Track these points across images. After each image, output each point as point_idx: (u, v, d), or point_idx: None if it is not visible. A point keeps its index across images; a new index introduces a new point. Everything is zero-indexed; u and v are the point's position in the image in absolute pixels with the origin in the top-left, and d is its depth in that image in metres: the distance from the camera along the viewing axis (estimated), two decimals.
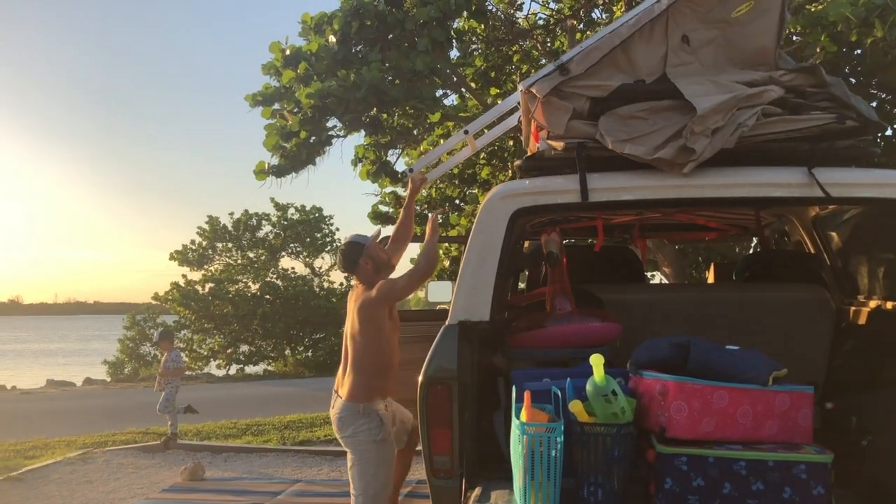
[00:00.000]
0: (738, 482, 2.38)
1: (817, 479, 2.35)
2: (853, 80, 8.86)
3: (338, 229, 26.83)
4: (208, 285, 24.48)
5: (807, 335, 3.53)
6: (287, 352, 24.36)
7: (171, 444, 8.85)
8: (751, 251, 9.39)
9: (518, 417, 2.49)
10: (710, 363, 2.57)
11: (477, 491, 2.76)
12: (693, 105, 2.98)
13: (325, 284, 25.64)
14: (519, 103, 3.62)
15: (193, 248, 25.43)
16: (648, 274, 13.81)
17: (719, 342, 2.84)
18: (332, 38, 8.89)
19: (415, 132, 11.00)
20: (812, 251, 4.34)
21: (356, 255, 3.97)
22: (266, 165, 9.22)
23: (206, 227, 25.73)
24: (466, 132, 3.69)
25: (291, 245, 26.21)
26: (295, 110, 9.23)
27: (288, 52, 9.37)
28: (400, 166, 11.45)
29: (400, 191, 12.86)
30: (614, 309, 3.45)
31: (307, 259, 26.19)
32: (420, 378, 2.89)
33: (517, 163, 3.44)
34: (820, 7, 8.06)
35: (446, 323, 2.97)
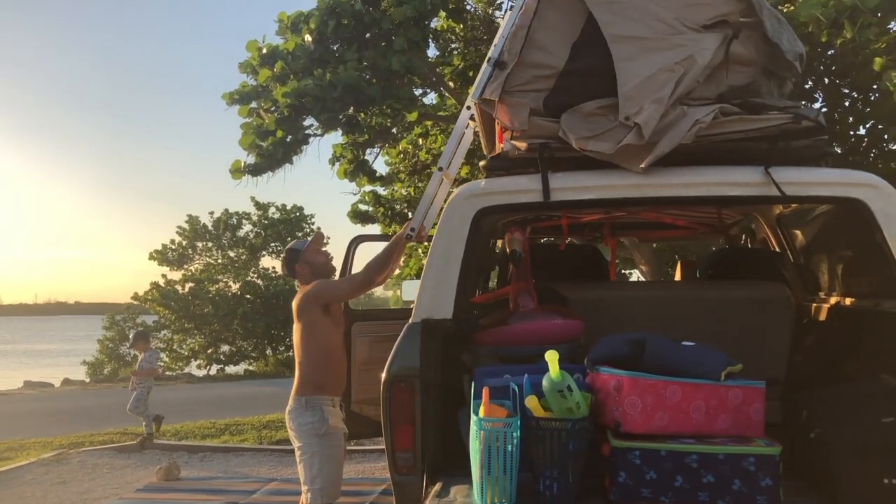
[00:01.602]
0: (689, 475, 2.42)
1: (765, 471, 2.41)
2: (826, 80, 9.00)
3: (319, 227, 26.79)
4: (188, 285, 24.37)
5: (768, 331, 3.58)
6: (268, 351, 24.30)
7: (147, 444, 8.84)
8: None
9: (476, 413, 2.52)
10: (665, 359, 2.62)
11: (437, 486, 2.79)
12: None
13: None
14: (472, 118, 3.65)
15: (173, 247, 25.32)
16: (626, 272, 13.94)
17: (682, 339, 2.89)
18: (309, 38, 8.91)
19: (393, 130, 11.04)
20: (776, 249, 4.42)
21: (293, 260, 4.15)
22: (242, 164, 9.23)
23: (185, 226, 25.61)
24: (441, 168, 3.73)
25: (272, 244, 26.14)
26: (272, 109, 9.24)
27: (265, 50, 9.38)
28: (378, 165, 11.51)
29: (379, 189, 12.88)
30: (579, 306, 3.49)
31: None
32: (383, 376, 2.92)
33: (482, 163, 3.48)
34: (791, 8, 8.18)
35: (409, 321, 3.01)
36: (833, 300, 3.92)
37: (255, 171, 9.22)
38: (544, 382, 2.51)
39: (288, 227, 25.99)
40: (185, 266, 25.43)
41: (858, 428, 2.49)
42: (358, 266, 4.97)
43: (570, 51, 3.22)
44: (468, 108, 3.53)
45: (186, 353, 24.52)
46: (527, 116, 3.16)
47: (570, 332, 3.23)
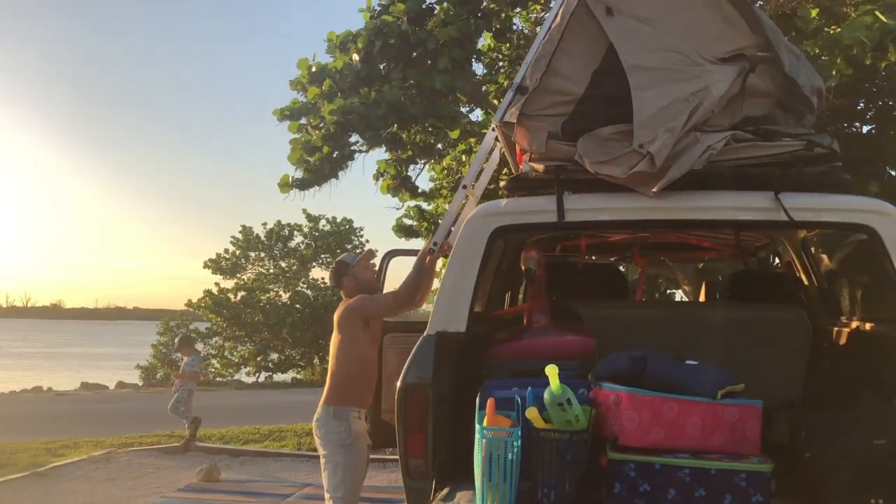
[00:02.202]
0: (682, 488, 2.51)
1: (756, 488, 2.48)
2: (880, 103, 8.91)
3: (367, 241, 27.17)
4: (240, 293, 24.97)
5: (782, 353, 3.63)
6: (315, 360, 24.70)
7: (191, 445, 9.16)
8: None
9: (481, 423, 2.66)
10: (666, 376, 2.72)
11: (444, 491, 2.93)
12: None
13: None
14: (497, 139, 3.80)
15: (227, 256, 25.96)
16: (670, 291, 13.86)
17: (698, 358, 2.99)
18: (356, 57, 9.16)
19: (439, 146, 11.22)
20: (800, 272, 4.45)
21: (341, 273, 4.29)
22: (290, 178, 9.52)
23: (239, 236, 26.25)
24: (465, 186, 3.89)
25: (322, 256, 26.61)
26: (320, 125, 9.52)
27: (314, 68, 9.67)
28: (421, 181, 11.70)
29: (423, 205, 13.09)
30: (596, 324, 3.59)
31: None
32: (398, 385, 3.08)
33: (503, 184, 3.62)
34: (838, 30, 8.14)
35: (424, 333, 3.16)
36: (854, 324, 3.94)
37: (302, 185, 9.50)
38: (545, 395, 2.63)
39: (337, 239, 26.44)
40: (238, 275, 26.05)
41: (849, 449, 2.55)
42: (391, 280, 5.14)
43: (590, 78, 3.33)
44: (493, 129, 3.68)
45: (237, 360, 25.11)
46: (544, 140, 3.29)
47: (582, 349, 3.33)
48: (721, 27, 3.33)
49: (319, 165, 9.25)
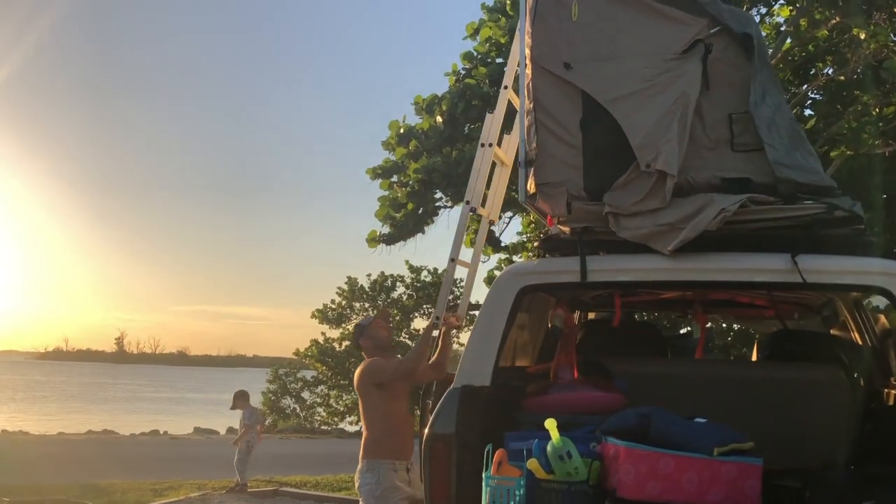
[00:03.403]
0: None
1: None
2: None
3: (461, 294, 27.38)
4: (345, 343, 25.68)
5: (819, 414, 3.62)
6: (416, 411, 24.94)
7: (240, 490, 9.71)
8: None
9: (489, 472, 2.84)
10: (668, 433, 2.83)
11: None
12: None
13: (455, 346, 26.08)
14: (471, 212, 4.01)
15: (333, 307, 26.81)
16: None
17: (729, 416, 3.07)
18: (440, 118, 9.62)
19: None
20: (853, 332, 4.39)
21: (357, 335, 4.62)
22: (377, 234, 10.01)
23: (345, 287, 27.12)
24: (452, 260, 4.15)
25: (424, 306, 27.04)
26: (410, 182, 10.00)
27: (402, 130, 10.20)
28: (509, 234, 11.94)
29: (515, 258, 13.32)
30: (631, 380, 3.70)
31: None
32: (425, 433, 3.30)
33: (536, 244, 3.84)
34: None
35: (451, 386, 3.38)
36: None
37: (388, 240, 9.97)
38: (548, 447, 2.80)
39: (438, 290, 26.79)
40: (343, 325, 26.79)
41: None
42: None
43: (580, 127, 3.48)
44: (467, 202, 3.91)
45: (342, 409, 25.71)
46: (565, 203, 3.48)
47: (608, 404, 3.44)
48: (669, 27, 3.44)
49: (405, 221, 9.70)
